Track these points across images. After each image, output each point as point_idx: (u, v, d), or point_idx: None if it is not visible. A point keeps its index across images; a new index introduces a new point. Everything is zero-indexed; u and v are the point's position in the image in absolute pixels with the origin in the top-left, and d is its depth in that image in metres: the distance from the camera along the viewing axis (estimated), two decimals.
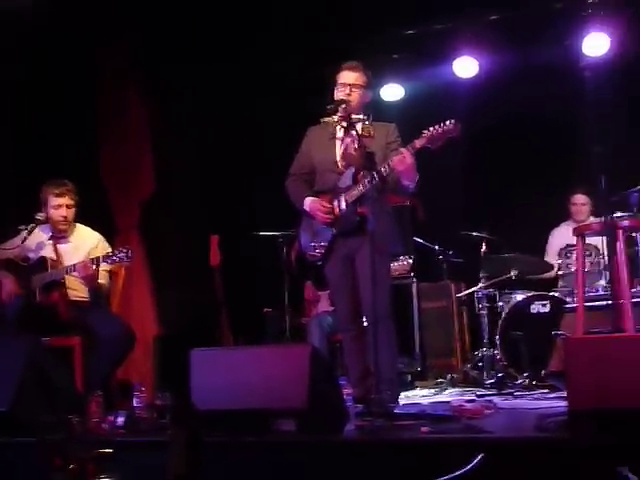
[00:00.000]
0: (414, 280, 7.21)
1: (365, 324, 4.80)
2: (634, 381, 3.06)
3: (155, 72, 7.03)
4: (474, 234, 6.76)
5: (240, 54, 7.11)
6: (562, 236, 6.77)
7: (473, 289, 6.90)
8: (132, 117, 7.04)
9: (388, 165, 4.47)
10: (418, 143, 4.44)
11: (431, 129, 4.43)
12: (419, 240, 7.22)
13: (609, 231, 4.32)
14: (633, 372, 3.08)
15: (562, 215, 7.13)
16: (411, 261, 6.52)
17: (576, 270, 5.02)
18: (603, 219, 4.44)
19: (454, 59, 7.48)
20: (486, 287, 6.71)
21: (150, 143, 7.03)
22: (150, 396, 4.95)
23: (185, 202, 6.99)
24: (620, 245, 4.41)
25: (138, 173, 6.99)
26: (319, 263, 4.87)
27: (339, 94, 4.75)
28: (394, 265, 6.24)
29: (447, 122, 4.42)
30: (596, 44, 6.90)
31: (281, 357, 3.68)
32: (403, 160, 4.41)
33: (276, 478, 3.32)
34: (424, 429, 3.45)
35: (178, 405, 3.54)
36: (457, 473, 2.77)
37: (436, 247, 7.25)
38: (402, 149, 4.48)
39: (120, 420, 3.97)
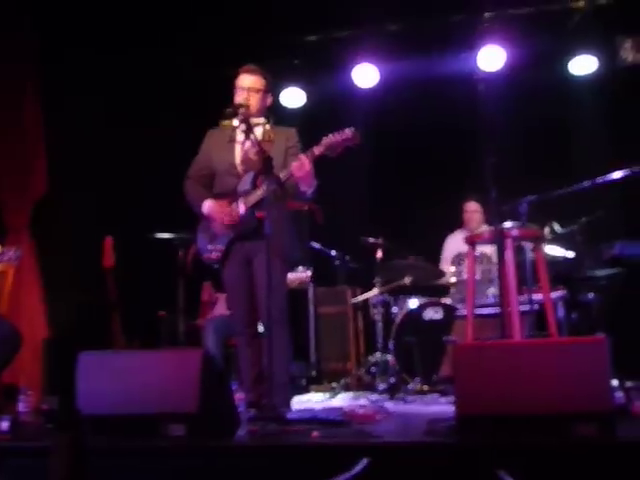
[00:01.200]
0: (310, 285, 7.25)
1: (260, 329, 4.80)
2: (517, 387, 3.14)
3: (51, 72, 6.85)
4: (370, 240, 6.83)
5: (138, 55, 7.01)
6: (456, 243, 6.91)
7: (368, 295, 6.98)
8: (26, 116, 6.84)
9: (287, 170, 4.48)
10: (317, 150, 4.46)
11: (330, 136, 4.46)
12: (316, 245, 7.25)
13: (499, 240, 4.42)
14: (517, 378, 3.17)
15: (457, 223, 7.28)
16: (310, 273, 6.55)
17: (467, 278, 5.11)
18: (493, 228, 4.53)
19: (354, 66, 7.55)
20: (381, 293, 6.79)
21: (44, 143, 6.85)
22: (37, 400, 4.83)
23: (79, 203, 6.82)
24: (509, 254, 4.52)
25: (31, 173, 6.79)
26: (216, 266, 4.85)
27: (238, 98, 4.74)
28: (293, 275, 6.28)
29: (346, 130, 4.46)
30: (491, 57, 7.08)
31: (172, 361, 3.63)
32: (301, 167, 4.43)
33: None
34: (315, 434, 3.47)
35: (62, 410, 3.46)
36: (341, 478, 2.79)
37: (333, 252, 7.29)
38: (301, 155, 4.49)
39: (4, 425, 3.85)
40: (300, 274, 6.50)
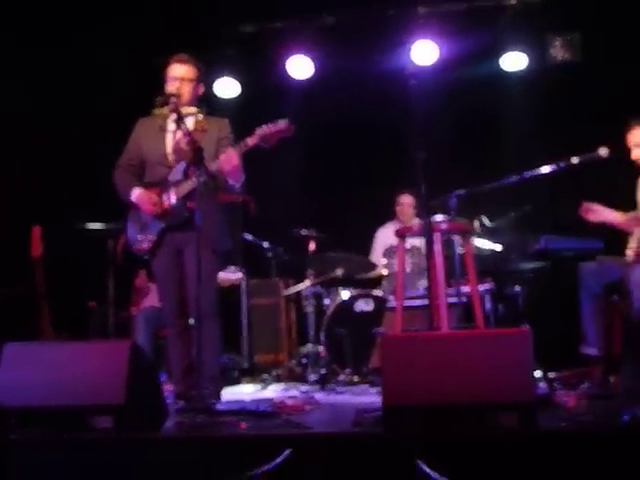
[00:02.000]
0: (244, 277, 7.24)
1: (191, 320, 4.78)
2: (442, 378, 3.20)
3: None
4: (303, 232, 6.85)
5: (67, 41, 6.89)
6: (387, 236, 6.98)
7: (300, 287, 7.00)
8: None
9: (217, 162, 4.47)
10: (250, 141, 4.46)
11: (264, 127, 4.46)
12: (249, 237, 7.24)
13: (428, 233, 4.48)
14: (443, 370, 3.22)
15: (389, 215, 7.34)
16: (241, 275, 6.54)
17: (397, 270, 5.17)
18: (422, 221, 4.60)
19: (289, 58, 7.54)
20: (313, 285, 6.82)
21: None
22: None
23: (6, 191, 6.70)
24: (438, 247, 4.59)
25: None
26: (146, 257, 4.81)
27: (169, 87, 4.70)
28: (225, 275, 6.27)
29: (280, 121, 4.46)
30: (425, 52, 7.16)
31: (99, 352, 3.59)
32: (229, 160, 4.42)
33: (92, 476, 3.24)
34: (242, 425, 3.48)
35: None
36: (264, 468, 2.81)
37: (266, 244, 7.29)
38: (229, 149, 4.48)
39: None
40: (231, 275, 6.49)
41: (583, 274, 4.82)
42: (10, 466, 2.87)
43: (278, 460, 2.81)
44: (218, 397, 4.60)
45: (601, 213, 4.83)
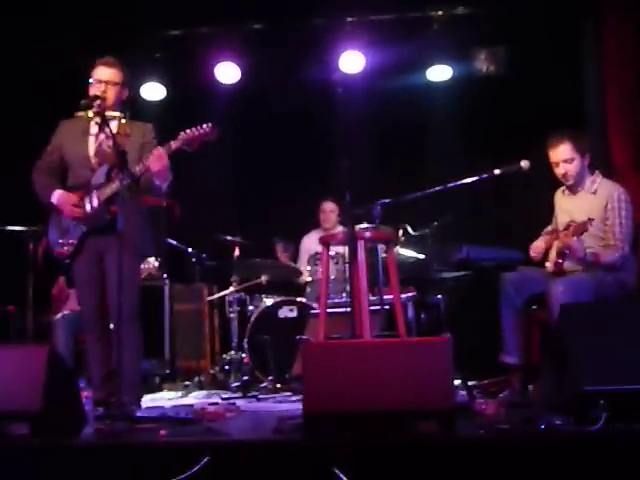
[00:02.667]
0: (166, 282, 7.19)
1: (111, 325, 4.71)
2: (363, 385, 3.22)
3: None
4: (228, 238, 6.82)
5: None
6: (312, 243, 7.00)
7: (224, 292, 6.98)
8: None
9: (143, 164, 4.43)
10: (174, 144, 4.44)
11: (187, 131, 4.44)
12: (172, 242, 7.18)
13: (351, 241, 4.50)
14: (365, 377, 3.24)
15: (314, 222, 7.37)
16: (157, 264, 6.47)
17: (321, 277, 5.19)
18: (346, 229, 4.61)
19: (217, 63, 7.52)
20: (237, 291, 6.80)
21: None
22: None
23: None
24: (361, 255, 4.61)
25: None
26: (67, 261, 4.73)
27: (94, 90, 4.65)
28: (142, 266, 6.18)
29: (204, 125, 4.45)
30: (352, 61, 7.21)
31: (16, 358, 3.52)
32: (159, 159, 4.38)
33: None
34: (162, 432, 3.45)
35: None
36: (183, 476, 2.79)
37: (189, 249, 7.24)
38: (158, 148, 4.45)
39: None
40: (149, 265, 6.41)
41: (504, 284, 4.91)
42: None
43: (196, 468, 2.79)
44: (138, 403, 4.54)
45: (536, 249, 4.96)
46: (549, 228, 5.15)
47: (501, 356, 4.93)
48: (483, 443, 3.10)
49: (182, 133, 4.46)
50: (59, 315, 6.37)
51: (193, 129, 4.44)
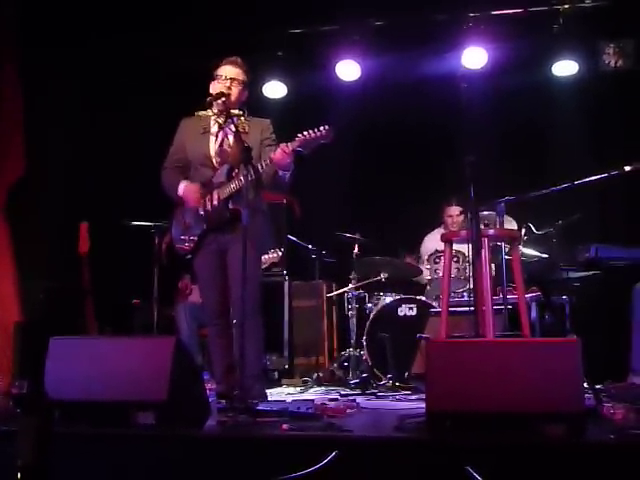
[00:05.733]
0: (286, 278, 7.25)
1: (234, 320, 4.78)
2: (488, 385, 3.15)
3: (32, 53, 6.78)
4: (348, 235, 6.82)
5: (117, 41, 6.95)
6: (433, 242, 6.90)
7: (343, 290, 6.98)
8: (5, 99, 6.75)
9: (269, 159, 4.47)
10: (291, 146, 4.45)
11: (305, 134, 4.44)
12: (293, 238, 7.23)
13: (475, 239, 4.42)
14: (488, 376, 3.17)
15: (435, 221, 7.27)
16: (280, 253, 6.51)
17: (442, 275, 5.12)
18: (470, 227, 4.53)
19: (337, 61, 7.53)
20: (356, 288, 6.79)
21: (22, 126, 6.77)
22: (7, 384, 4.78)
23: (55, 188, 6.78)
24: (484, 253, 4.52)
25: (7, 155, 6.72)
26: (188, 257, 4.84)
27: (218, 86, 4.72)
28: (264, 257, 6.25)
29: (321, 127, 4.44)
30: (474, 57, 7.10)
31: (144, 348, 3.60)
32: (285, 153, 4.42)
33: (134, 471, 3.24)
34: (285, 426, 3.46)
35: (30, 394, 3.42)
36: (310, 469, 2.78)
37: (310, 246, 7.27)
38: (282, 145, 4.47)
39: None
40: (270, 255, 6.45)
41: (638, 296, 4.70)
42: (53, 458, 2.88)
43: (324, 462, 2.79)
44: (263, 397, 4.60)
45: None
46: None
47: (630, 377, 4.73)
48: (614, 448, 2.98)
49: (300, 135, 4.46)
50: (183, 305, 6.51)
51: (310, 131, 4.44)
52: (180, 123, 4.94)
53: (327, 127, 4.43)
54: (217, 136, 4.79)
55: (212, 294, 4.81)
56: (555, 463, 2.92)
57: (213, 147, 4.79)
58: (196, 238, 4.77)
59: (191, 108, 4.87)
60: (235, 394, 4.14)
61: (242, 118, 4.79)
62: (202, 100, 4.63)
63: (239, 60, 4.85)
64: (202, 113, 4.82)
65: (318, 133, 4.42)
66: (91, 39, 6.88)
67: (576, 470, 2.90)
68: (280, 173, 4.56)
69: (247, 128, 4.74)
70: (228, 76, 4.76)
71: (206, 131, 4.81)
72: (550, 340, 3.75)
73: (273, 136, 4.80)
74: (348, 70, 7.57)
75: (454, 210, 7.04)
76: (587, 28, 7.09)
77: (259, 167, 4.46)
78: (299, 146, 4.44)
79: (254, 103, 5.09)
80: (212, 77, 4.83)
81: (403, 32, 7.32)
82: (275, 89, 7.84)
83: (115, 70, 7.14)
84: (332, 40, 7.50)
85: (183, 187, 4.75)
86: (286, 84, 7.85)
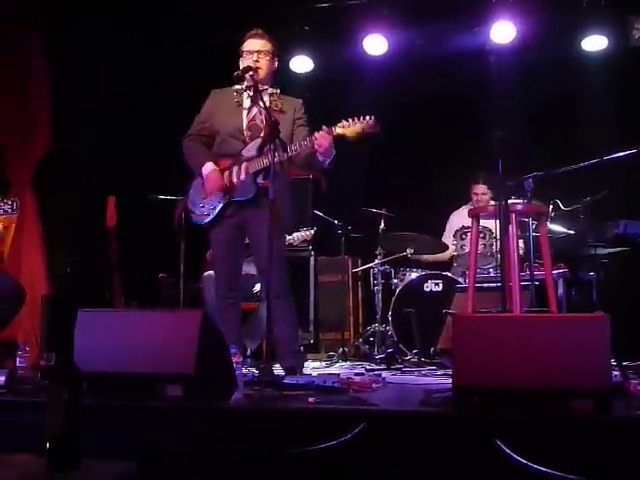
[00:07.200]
0: (312, 254, 7.25)
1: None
2: (515, 360, 3.14)
3: (59, 25, 6.79)
4: (374, 211, 6.81)
5: (144, 15, 6.95)
6: (461, 218, 6.88)
7: (369, 265, 6.98)
8: (33, 72, 6.78)
9: (309, 140, 4.46)
10: (335, 130, 4.44)
11: (350, 120, 4.43)
12: (319, 213, 7.23)
13: (502, 215, 4.39)
14: (515, 352, 3.16)
15: (462, 197, 7.23)
16: (312, 232, 6.52)
17: (469, 250, 5.11)
18: (497, 202, 4.50)
19: (364, 35, 7.49)
20: (382, 264, 6.79)
21: (49, 100, 6.80)
22: (35, 356, 4.84)
23: (83, 161, 6.82)
24: (512, 229, 4.50)
25: (35, 129, 6.76)
26: (204, 224, 4.83)
27: (246, 61, 4.72)
28: (296, 234, 6.26)
29: (367, 117, 4.41)
30: (503, 31, 7.03)
31: (171, 321, 3.62)
32: (326, 137, 4.42)
33: (161, 443, 3.27)
34: (311, 399, 3.47)
35: (59, 365, 3.45)
36: (338, 440, 2.80)
37: (336, 222, 7.27)
38: (324, 127, 4.47)
39: (1, 379, 3.85)
40: (303, 233, 6.45)
41: None
42: (81, 430, 2.91)
43: (351, 434, 2.80)
44: (301, 371, 4.67)
45: None
46: None
47: None
48: None
49: (343, 121, 4.44)
50: (209, 275, 6.53)
51: (355, 119, 4.41)
52: (211, 93, 4.94)
53: (372, 118, 4.40)
54: (250, 110, 4.79)
55: (225, 267, 4.84)
56: (582, 439, 2.91)
57: (245, 121, 4.78)
58: (216, 210, 4.76)
59: (223, 83, 4.87)
60: (262, 367, 4.17)
61: (275, 95, 4.78)
62: (233, 74, 4.61)
63: (260, 31, 4.84)
64: (235, 87, 4.81)
65: (363, 122, 4.39)
66: (122, 14, 6.87)
67: (602, 446, 2.89)
68: (320, 158, 4.54)
69: (280, 105, 4.74)
70: (253, 49, 4.76)
71: (239, 104, 4.82)
72: (578, 316, 3.73)
73: (305, 117, 4.81)
74: (375, 45, 7.52)
75: (480, 188, 7.00)
76: (617, 2, 7.00)
77: (293, 147, 4.46)
78: (343, 132, 4.42)
79: (281, 78, 5.07)
80: (239, 54, 4.82)
81: (431, 6, 7.25)
82: (302, 64, 7.82)
83: (141, 45, 7.14)
84: (359, 14, 7.45)
85: (208, 171, 4.73)
86: (313, 59, 7.82)
